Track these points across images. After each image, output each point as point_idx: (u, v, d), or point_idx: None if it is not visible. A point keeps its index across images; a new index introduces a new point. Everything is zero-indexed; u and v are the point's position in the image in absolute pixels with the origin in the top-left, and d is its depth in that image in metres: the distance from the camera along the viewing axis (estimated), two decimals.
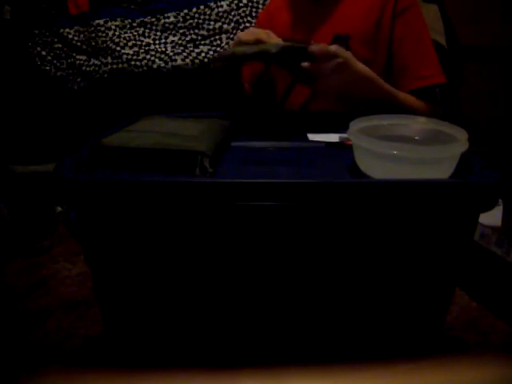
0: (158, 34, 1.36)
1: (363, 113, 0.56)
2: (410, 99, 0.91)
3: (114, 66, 1.36)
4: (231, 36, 1.37)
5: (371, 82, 0.84)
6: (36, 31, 1.39)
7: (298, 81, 0.85)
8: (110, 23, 1.36)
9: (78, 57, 1.39)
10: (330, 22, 0.95)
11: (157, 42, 1.36)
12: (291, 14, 1.03)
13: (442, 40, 1.50)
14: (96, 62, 1.37)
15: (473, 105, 1.75)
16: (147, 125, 0.59)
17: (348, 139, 0.53)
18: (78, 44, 1.39)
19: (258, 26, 1.14)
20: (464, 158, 0.48)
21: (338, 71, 0.75)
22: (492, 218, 0.83)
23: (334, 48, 0.75)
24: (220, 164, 0.55)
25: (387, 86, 0.87)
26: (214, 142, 0.54)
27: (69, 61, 1.40)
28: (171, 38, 1.36)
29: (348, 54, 0.78)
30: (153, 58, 1.35)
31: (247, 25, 1.36)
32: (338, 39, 0.92)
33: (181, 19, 1.36)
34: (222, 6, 1.35)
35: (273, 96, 1.05)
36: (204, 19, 1.36)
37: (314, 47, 0.73)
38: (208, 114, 0.72)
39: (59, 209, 0.94)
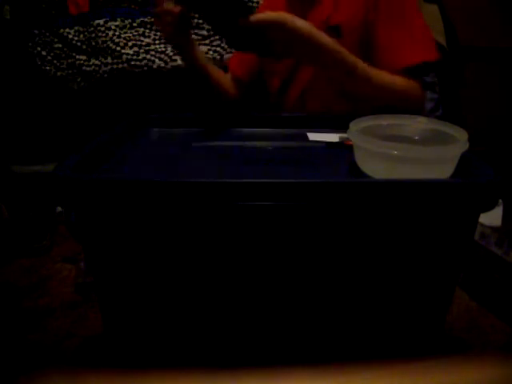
0: (158, 33, 1.36)
1: (363, 113, 0.56)
2: (383, 75, 0.85)
3: (114, 66, 1.36)
4: None
5: (314, 43, 0.76)
6: (36, 31, 1.39)
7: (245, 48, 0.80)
8: (109, 23, 1.36)
9: (78, 57, 1.39)
10: (323, 12, 0.95)
11: (157, 41, 1.36)
12: (286, 9, 1.03)
13: (442, 40, 1.50)
14: (96, 62, 1.37)
15: (473, 105, 1.75)
16: None
17: (348, 139, 0.53)
18: (78, 44, 1.39)
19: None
20: (464, 157, 0.48)
21: (278, 34, 0.72)
22: (492, 218, 0.83)
23: (271, 17, 0.72)
24: (220, 164, 0.55)
25: (344, 54, 0.79)
26: None
27: (69, 61, 1.40)
28: None
29: (282, 16, 0.73)
30: (153, 58, 1.35)
31: None
32: (330, 29, 0.92)
33: None
34: None
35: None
36: None
37: (254, 17, 0.71)
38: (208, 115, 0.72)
39: (59, 209, 0.94)
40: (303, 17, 0.97)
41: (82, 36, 1.38)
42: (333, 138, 0.64)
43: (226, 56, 1.35)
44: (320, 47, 0.77)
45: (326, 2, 0.96)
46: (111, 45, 1.35)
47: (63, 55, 1.41)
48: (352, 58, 0.81)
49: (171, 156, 0.59)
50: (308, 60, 0.81)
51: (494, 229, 0.71)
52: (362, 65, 0.82)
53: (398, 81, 0.87)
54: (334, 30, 0.92)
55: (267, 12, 0.73)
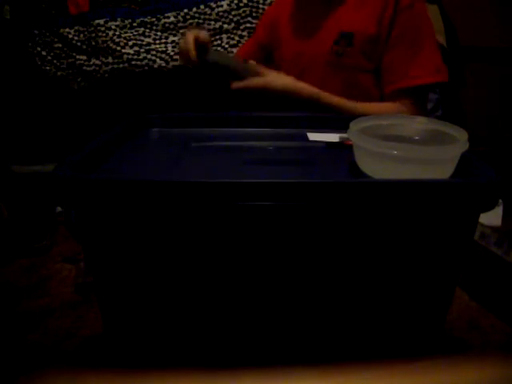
0: (159, 33, 1.37)
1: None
2: (372, 108, 0.93)
3: (115, 66, 1.36)
4: (231, 36, 1.37)
5: (298, 94, 0.95)
6: (36, 31, 1.39)
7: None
8: (110, 23, 1.36)
9: (78, 57, 1.39)
10: (336, 19, 0.97)
11: (157, 41, 1.36)
12: (298, 12, 1.04)
13: (442, 40, 1.50)
14: (96, 61, 1.37)
15: (473, 105, 1.75)
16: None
17: (348, 139, 0.53)
18: (78, 44, 1.39)
19: (264, 21, 1.15)
20: (464, 157, 0.48)
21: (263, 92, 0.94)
22: (492, 218, 0.83)
23: (253, 84, 0.93)
24: (220, 164, 0.55)
25: (328, 99, 0.94)
26: None
27: (69, 61, 1.40)
28: (171, 37, 1.36)
29: (263, 82, 0.93)
30: (153, 58, 1.35)
31: (247, 25, 1.36)
32: (343, 36, 0.94)
33: (181, 19, 1.36)
34: (222, 6, 1.35)
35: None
36: (204, 19, 1.36)
37: (236, 85, 0.93)
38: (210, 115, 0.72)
39: (59, 209, 0.94)
40: (318, 24, 0.99)
41: (82, 36, 1.38)
42: (333, 138, 0.64)
43: None
44: (298, 94, 0.94)
45: (342, 9, 0.97)
46: (111, 45, 1.35)
47: (63, 55, 1.41)
48: (333, 99, 0.93)
49: (171, 156, 0.59)
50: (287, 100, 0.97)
51: (493, 229, 0.70)
52: (346, 104, 0.94)
53: (390, 108, 0.92)
54: (346, 37, 0.94)
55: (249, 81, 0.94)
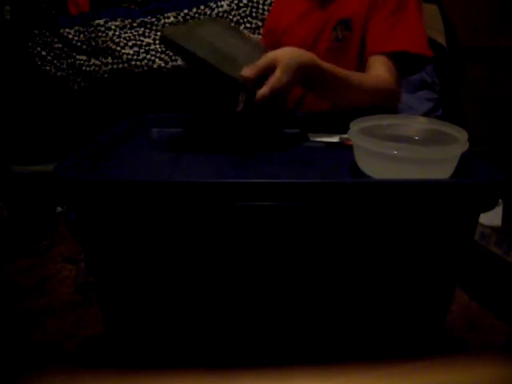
0: (159, 33, 1.36)
1: (363, 113, 0.56)
2: (367, 77, 0.89)
3: (115, 66, 1.36)
4: None
5: (316, 66, 0.73)
6: (36, 31, 1.39)
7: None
8: (110, 23, 1.36)
9: (78, 57, 1.39)
10: (333, 9, 0.99)
11: (157, 41, 1.36)
12: (298, 6, 1.05)
13: (442, 40, 1.50)
14: (96, 62, 1.38)
15: (473, 105, 1.75)
16: (211, 32, 0.64)
17: (348, 139, 0.53)
18: (78, 44, 1.39)
19: (269, 16, 1.15)
20: (464, 157, 0.48)
21: (284, 72, 0.66)
22: (492, 218, 0.83)
23: (263, 62, 0.66)
24: (220, 164, 0.55)
25: (335, 69, 0.78)
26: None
27: (69, 61, 1.40)
28: None
29: (278, 54, 0.69)
30: (153, 58, 1.35)
31: (247, 25, 1.36)
32: (341, 23, 0.96)
33: (181, 19, 1.36)
34: (222, 6, 1.35)
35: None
36: None
37: (247, 71, 0.64)
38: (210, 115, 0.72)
39: (59, 209, 0.94)
40: (317, 16, 0.99)
41: (82, 36, 1.38)
42: (333, 138, 0.64)
43: None
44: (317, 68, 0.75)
45: (336, 3, 0.98)
46: (111, 45, 1.35)
47: (63, 55, 1.41)
48: (342, 71, 0.86)
49: (171, 156, 0.59)
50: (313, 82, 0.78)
51: (493, 229, 0.70)
52: (350, 73, 0.86)
53: (374, 74, 0.89)
54: (344, 23, 0.95)
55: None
